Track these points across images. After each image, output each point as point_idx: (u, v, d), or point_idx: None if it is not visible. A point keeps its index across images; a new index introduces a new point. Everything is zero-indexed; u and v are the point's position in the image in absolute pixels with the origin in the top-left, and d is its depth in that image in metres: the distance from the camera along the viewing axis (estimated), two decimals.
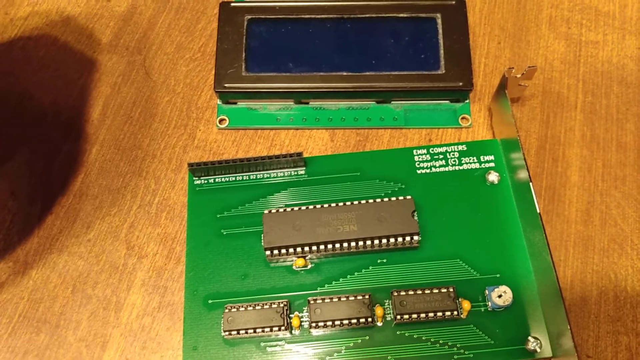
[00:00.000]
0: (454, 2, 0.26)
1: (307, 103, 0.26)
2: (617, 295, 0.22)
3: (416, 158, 0.24)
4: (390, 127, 0.26)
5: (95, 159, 0.25)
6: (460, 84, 0.24)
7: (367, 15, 0.26)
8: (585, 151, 0.25)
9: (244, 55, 0.26)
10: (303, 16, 0.26)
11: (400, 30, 0.26)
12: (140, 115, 0.26)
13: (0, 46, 0.28)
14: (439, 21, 0.26)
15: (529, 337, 0.21)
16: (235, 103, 0.26)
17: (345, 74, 0.25)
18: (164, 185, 0.25)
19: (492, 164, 0.24)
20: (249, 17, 0.26)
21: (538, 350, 0.21)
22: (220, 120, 0.26)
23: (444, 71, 0.25)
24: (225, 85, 0.25)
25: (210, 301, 0.22)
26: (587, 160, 0.25)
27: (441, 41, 0.25)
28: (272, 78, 0.25)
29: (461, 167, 0.24)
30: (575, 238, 0.23)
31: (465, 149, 0.24)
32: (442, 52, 0.25)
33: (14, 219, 0.24)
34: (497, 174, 0.24)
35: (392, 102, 0.26)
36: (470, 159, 0.24)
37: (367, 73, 0.25)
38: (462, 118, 0.25)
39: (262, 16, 0.26)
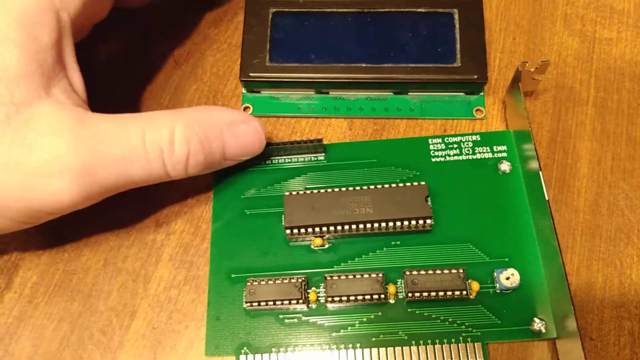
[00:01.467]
0: None
1: (328, 93, 0.27)
2: (622, 282, 0.23)
3: (431, 147, 0.25)
4: (406, 118, 0.27)
5: None
6: (476, 76, 0.25)
7: (387, 10, 0.27)
8: (595, 144, 0.26)
9: (268, 46, 0.27)
10: (325, 10, 0.27)
11: (418, 24, 0.27)
12: (169, 102, 0.28)
13: None
14: (456, 16, 0.26)
15: (535, 318, 0.22)
16: (259, 92, 0.28)
17: (364, 65, 0.26)
18: None
19: (504, 154, 0.25)
20: (274, 10, 0.27)
21: (543, 330, 0.22)
22: (245, 108, 0.27)
23: (460, 64, 0.26)
24: (250, 74, 0.26)
25: (233, 275, 0.23)
26: (597, 153, 0.25)
27: (458, 35, 0.26)
28: (295, 68, 0.26)
29: (474, 157, 0.25)
30: (583, 227, 0.24)
31: (479, 139, 0.25)
32: (458, 46, 0.26)
33: None
34: (509, 164, 0.24)
35: (409, 93, 0.27)
36: (483, 149, 0.25)
37: (386, 65, 0.26)
38: (477, 110, 0.26)
39: (286, 10, 0.27)
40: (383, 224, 0.23)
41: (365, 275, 0.22)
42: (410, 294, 0.22)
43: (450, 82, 0.26)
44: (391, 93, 0.27)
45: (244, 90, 0.28)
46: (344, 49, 0.27)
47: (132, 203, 0.26)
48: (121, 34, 0.29)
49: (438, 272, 0.22)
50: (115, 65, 0.29)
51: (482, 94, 0.27)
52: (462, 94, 0.27)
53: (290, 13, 0.27)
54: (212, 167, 0.23)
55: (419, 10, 0.27)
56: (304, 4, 0.27)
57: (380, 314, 0.22)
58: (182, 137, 0.21)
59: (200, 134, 0.21)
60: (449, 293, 0.22)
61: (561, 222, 0.24)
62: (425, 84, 0.26)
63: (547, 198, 0.22)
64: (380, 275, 0.22)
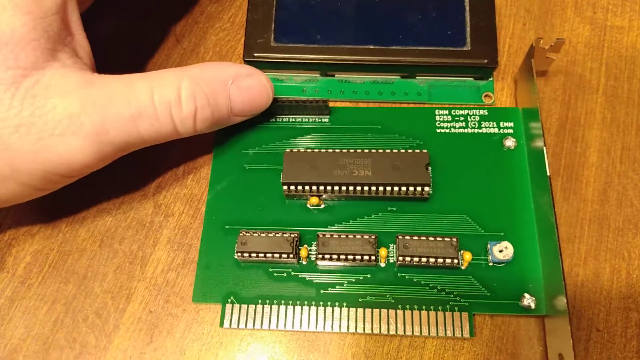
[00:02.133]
0: None
1: (333, 76, 0.27)
2: (630, 273, 0.23)
3: (437, 118, 0.25)
4: (413, 102, 0.26)
5: None
6: (485, 61, 0.25)
7: None
8: (604, 133, 0.25)
9: (273, 26, 0.26)
10: None
11: (427, 6, 0.26)
12: None
13: None
14: None
15: (525, 294, 0.22)
16: None
17: (372, 47, 0.25)
18: (191, 146, 0.25)
19: (510, 130, 0.24)
20: None
21: (533, 307, 0.21)
22: None
23: (469, 48, 0.25)
24: (255, 54, 0.26)
25: (227, 227, 0.23)
26: (607, 142, 0.25)
27: (468, 19, 0.25)
28: (300, 49, 0.26)
29: (480, 131, 0.25)
30: (591, 216, 0.24)
31: (486, 113, 0.25)
32: (468, 29, 0.25)
33: None
34: (515, 140, 0.24)
35: (417, 77, 0.26)
36: (490, 124, 0.25)
37: (394, 47, 0.25)
38: (485, 96, 0.26)
39: None
40: (381, 188, 0.22)
41: (358, 236, 0.22)
42: (401, 258, 0.22)
43: (459, 66, 0.25)
44: (398, 77, 0.26)
45: None
46: (350, 30, 0.26)
47: (130, 183, 0.25)
48: (122, 9, 0.28)
49: (431, 239, 0.22)
50: (116, 40, 0.28)
51: (491, 79, 0.26)
52: (471, 79, 0.26)
53: None
54: (220, 122, 0.23)
55: None
56: None
57: (369, 276, 0.22)
58: (189, 93, 0.21)
59: (205, 89, 0.21)
60: (440, 261, 0.21)
61: (569, 211, 0.24)
62: (433, 68, 0.25)
63: (548, 174, 0.21)
64: (373, 237, 0.22)
